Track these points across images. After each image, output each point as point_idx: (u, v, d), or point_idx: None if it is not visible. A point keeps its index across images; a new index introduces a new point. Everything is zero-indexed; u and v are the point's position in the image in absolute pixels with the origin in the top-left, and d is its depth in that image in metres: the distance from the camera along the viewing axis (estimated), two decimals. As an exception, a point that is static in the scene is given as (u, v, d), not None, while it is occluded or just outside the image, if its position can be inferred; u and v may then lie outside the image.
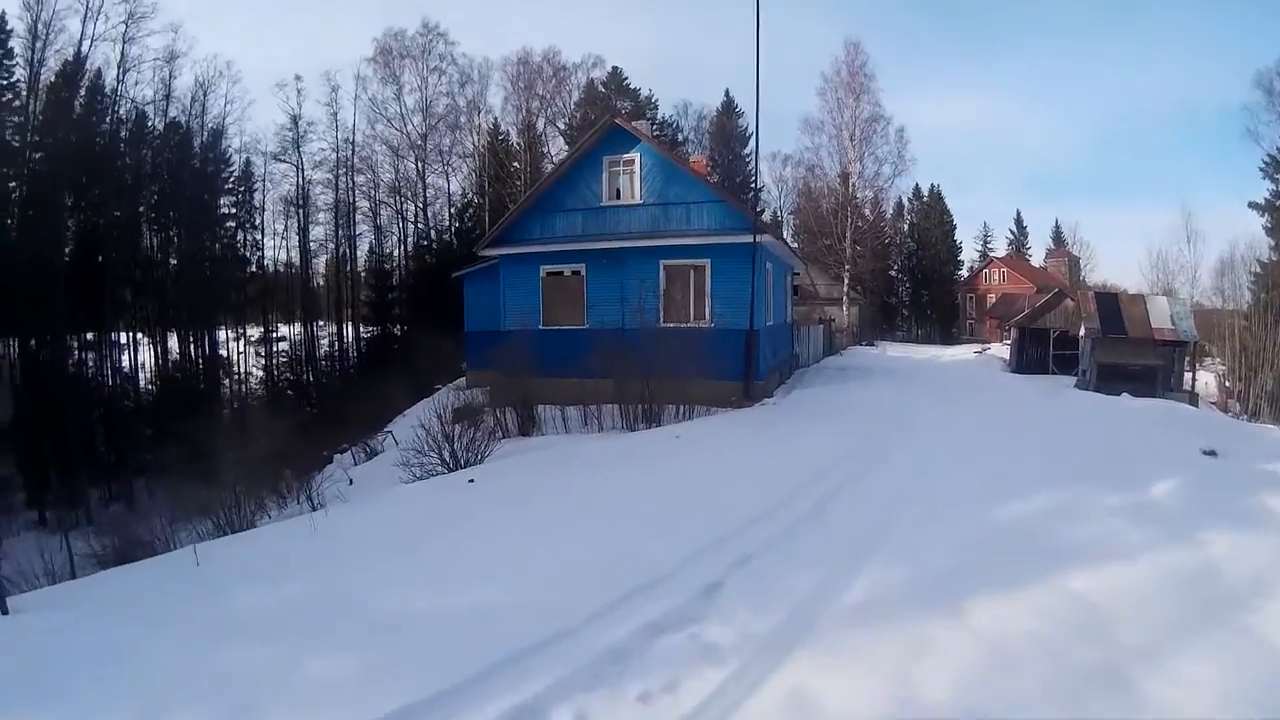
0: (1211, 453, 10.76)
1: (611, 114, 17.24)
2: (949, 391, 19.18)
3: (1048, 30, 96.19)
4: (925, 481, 8.35)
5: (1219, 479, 8.75)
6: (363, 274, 41.01)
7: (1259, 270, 41.19)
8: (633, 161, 16.84)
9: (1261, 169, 40.62)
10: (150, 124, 34.80)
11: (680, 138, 53.04)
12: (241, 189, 38.12)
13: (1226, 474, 9.24)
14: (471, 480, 9.23)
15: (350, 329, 39.77)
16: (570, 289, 17.23)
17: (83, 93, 31.18)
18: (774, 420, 13.73)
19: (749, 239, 15.69)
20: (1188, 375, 25.29)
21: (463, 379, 21.15)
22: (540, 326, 17.34)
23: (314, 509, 12.50)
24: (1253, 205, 41.52)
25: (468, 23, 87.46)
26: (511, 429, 14.86)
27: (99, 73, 32.18)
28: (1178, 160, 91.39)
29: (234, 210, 38.02)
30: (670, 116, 53.58)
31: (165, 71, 34.11)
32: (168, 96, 34.43)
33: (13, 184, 29.30)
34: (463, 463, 11.05)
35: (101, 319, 30.52)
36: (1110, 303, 25.17)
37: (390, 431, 19.55)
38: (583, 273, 17.13)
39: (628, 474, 8.84)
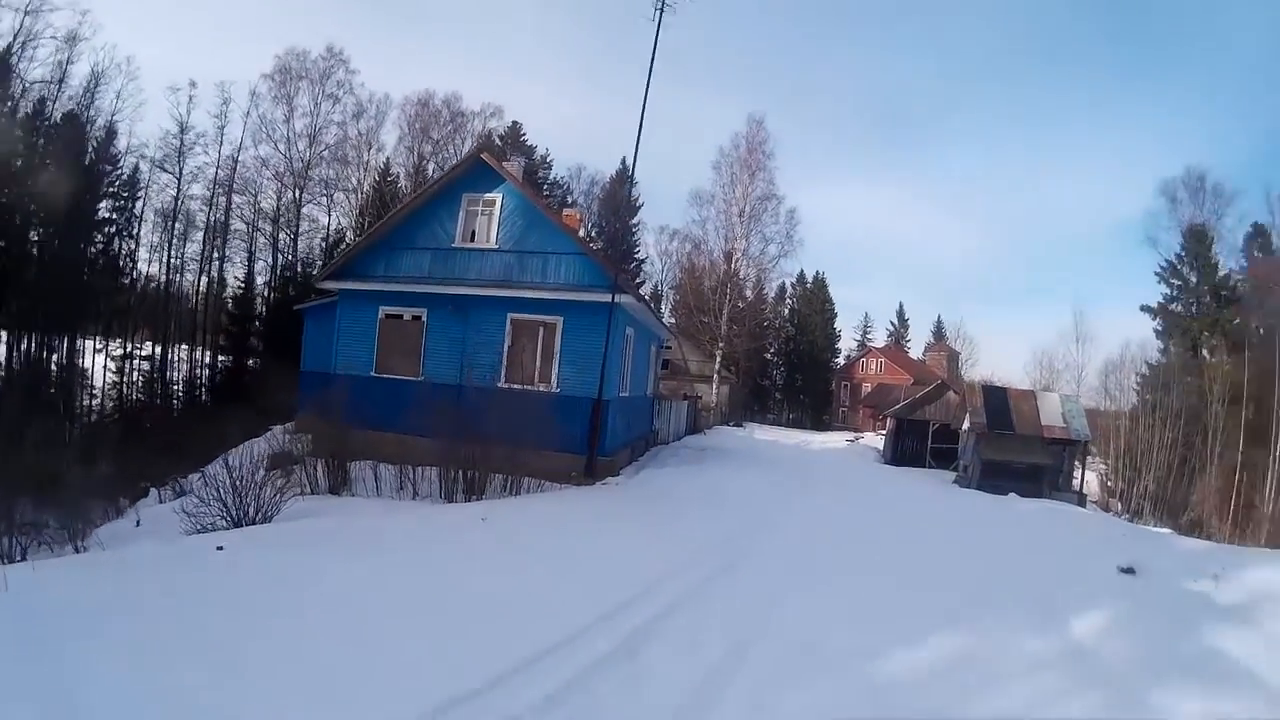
0: (1129, 570, 9.43)
1: (478, 147, 15.30)
2: (818, 482, 17.31)
3: (953, 137, 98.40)
4: (785, 607, 6.37)
5: (1149, 608, 7.33)
6: (227, 300, 37.41)
7: (1147, 371, 41.93)
8: (494, 202, 14.84)
9: (1158, 273, 42.51)
10: (49, 110, 31.61)
11: (570, 200, 51.77)
12: (125, 194, 34.72)
13: (1154, 599, 7.83)
14: (220, 548, 6.86)
15: (210, 355, 36.12)
16: (408, 335, 14.95)
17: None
18: (611, 506, 11.50)
19: (608, 299, 13.79)
20: (1076, 474, 24.38)
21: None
22: (372, 373, 14.99)
23: (76, 550, 11.15)
24: (1145, 308, 43.16)
25: (373, 54, 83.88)
26: (322, 485, 12.64)
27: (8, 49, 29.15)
28: (1066, 269, 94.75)
29: (113, 215, 34.53)
30: (563, 178, 52.57)
31: (64, 55, 30.97)
32: (61, 81, 31.19)
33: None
34: (249, 518, 9.19)
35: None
36: (999, 397, 24.10)
37: (204, 471, 17.01)
38: (424, 318, 14.89)
39: (392, 571, 6.36)
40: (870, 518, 13.09)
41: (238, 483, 9.35)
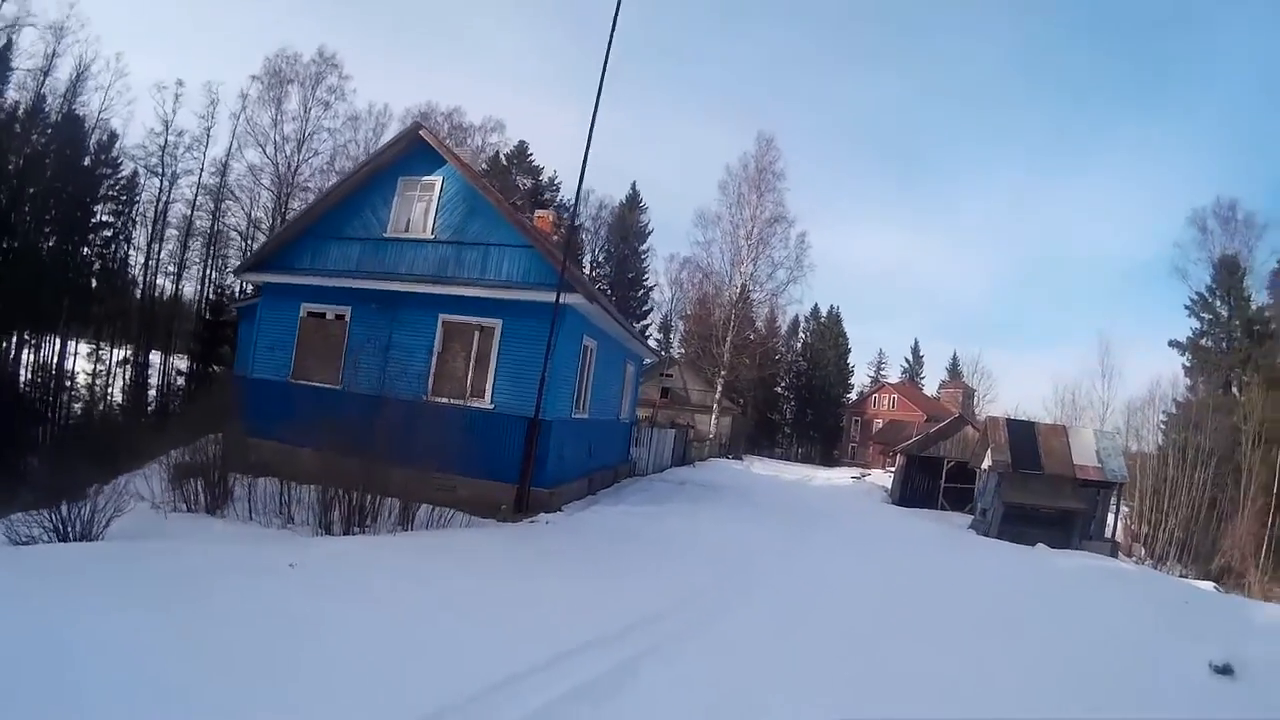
0: (1226, 669, 6.64)
1: (416, 124, 13.02)
2: (812, 526, 14.35)
3: (967, 172, 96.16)
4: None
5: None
6: (203, 306, 34.87)
7: (1175, 409, 38.80)
8: (432, 186, 12.46)
9: (1188, 307, 39.85)
10: (47, 108, 30.29)
11: (576, 222, 49.97)
12: (124, 198, 33.15)
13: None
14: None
15: (187, 362, 33.63)
16: (331, 336, 12.57)
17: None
18: (523, 553, 8.51)
19: (566, 301, 11.34)
20: (1110, 520, 20.95)
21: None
22: (289, 378, 12.66)
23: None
24: (1173, 343, 40.31)
25: (374, 70, 79.80)
26: (200, 502, 10.54)
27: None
28: (1090, 307, 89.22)
29: (112, 219, 33.02)
30: (570, 201, 50.42)
31: (50, 46, 29.41)
32: (47, 72, 29.43)
33: None
34: (74, 533, 7.79)
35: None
36: (1025, 432, 20.76)
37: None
38: (347, 317, 12.54)
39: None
40: (871, 580, 9.95)
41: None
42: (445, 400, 11.41)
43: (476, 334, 11.79)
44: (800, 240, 39.35)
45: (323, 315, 12.73)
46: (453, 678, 4.35)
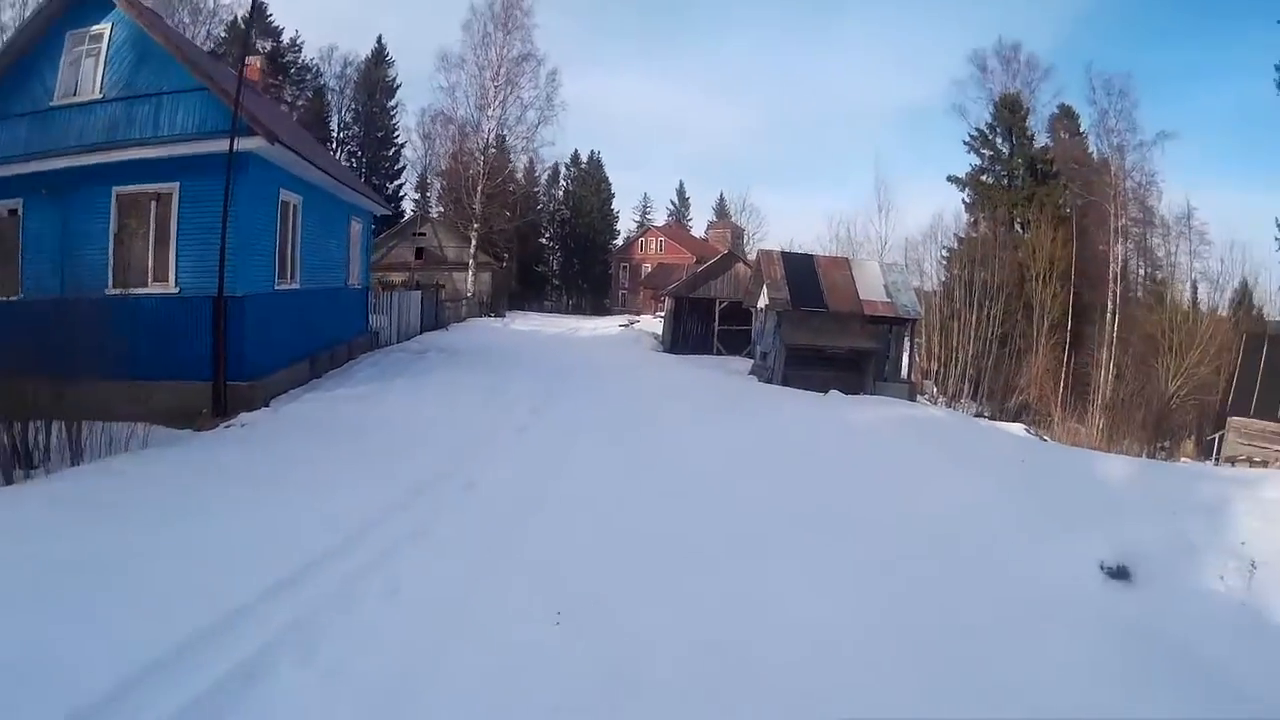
0: (1121, 572, 4.89)
1: (76, -38, 10.65)
2: (567, 386, 12.76)
3: (732, 26, 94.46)
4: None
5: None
6: None
7: (956, 245, 38.97)
8: (101, 36, 10.21)
9: (967, 143, 40.07)
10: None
11: (321, 83, 47.63)
12: None
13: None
14: None
15: None
16: (4, 237, 10.49)
17: None
18: (170, 483, 6.29)
19: (243, 147, 9.22)
20: (904, 360, 19.62)
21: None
22: (-36, 293, 10.53)
23: None
24: (952, 179, 40.45)
25: None
26: None
27: None
28: (864, 147, 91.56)
29: None
30: (313, 61, 47.75)
31: None
32: None
33: None
34: None
35: None
36: (804, 266, 18.77)
37: None
38: (20, 211, 10.38)
39: None
40: (636, 444, 8.56)
41: None
42: (128, 291, 9.37)
43: (153, 204, 9.63)
44: (551, 78, 37.74)
45: (-6, 213, 10.57)
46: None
